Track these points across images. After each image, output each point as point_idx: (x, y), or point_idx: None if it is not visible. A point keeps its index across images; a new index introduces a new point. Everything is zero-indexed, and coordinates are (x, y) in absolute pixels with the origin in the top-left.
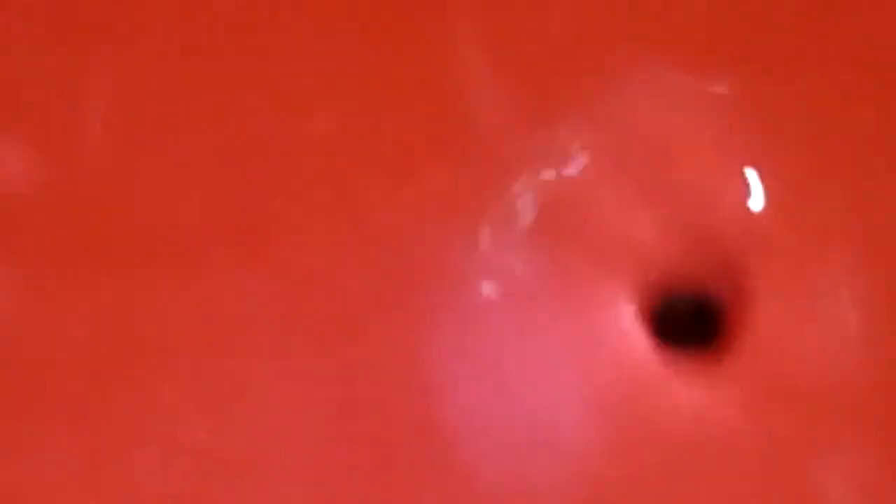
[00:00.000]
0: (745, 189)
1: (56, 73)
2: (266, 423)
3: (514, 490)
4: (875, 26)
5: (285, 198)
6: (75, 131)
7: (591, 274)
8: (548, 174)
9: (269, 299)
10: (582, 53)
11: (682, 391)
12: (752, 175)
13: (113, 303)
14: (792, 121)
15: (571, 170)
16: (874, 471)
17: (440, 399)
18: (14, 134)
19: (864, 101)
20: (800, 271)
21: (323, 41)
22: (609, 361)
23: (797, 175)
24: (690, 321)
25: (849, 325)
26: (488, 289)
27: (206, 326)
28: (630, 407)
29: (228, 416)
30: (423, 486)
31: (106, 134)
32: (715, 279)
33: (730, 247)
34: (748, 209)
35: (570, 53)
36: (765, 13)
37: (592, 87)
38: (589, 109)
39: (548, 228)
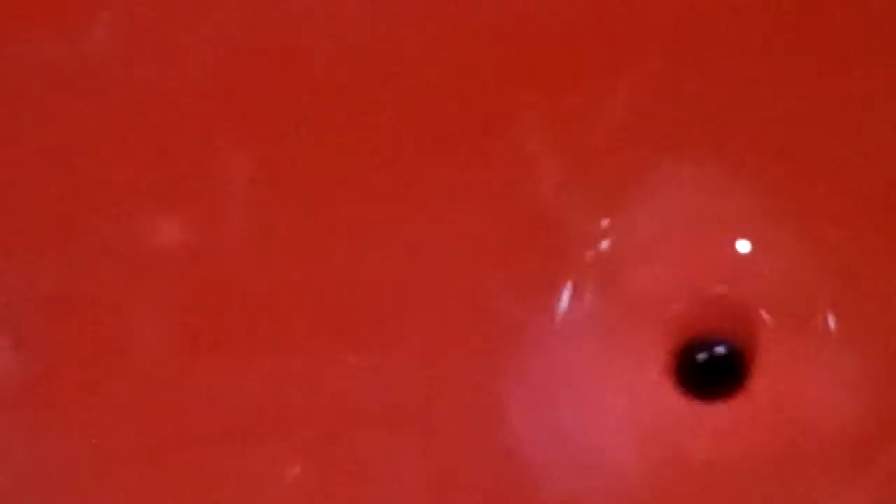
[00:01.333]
0: (751, 256)
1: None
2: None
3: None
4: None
5: (387, 278)
6: (219, 204)
7: (630, 330)
8: (602, 247)
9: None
10: (627, 145)
11: (705, 431)
12: (754, 242)
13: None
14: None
15: (620, 244)
16: None
17: (516, 427)
18: (166, 205)
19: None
20: (800, 322)
21: (410, 147)
22: (645, 404)
23: (789, 243)
24: (712, 372)
25: (847, 371)
26: (557, 342)
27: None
28: (662, 443)
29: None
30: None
31: (245, 206)
32: (730, 333)
33: (741, 302)
34: (755, 270)
35: (619, 145)
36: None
37: (635, 174)
38: (632, 193)
39: (601, 294)
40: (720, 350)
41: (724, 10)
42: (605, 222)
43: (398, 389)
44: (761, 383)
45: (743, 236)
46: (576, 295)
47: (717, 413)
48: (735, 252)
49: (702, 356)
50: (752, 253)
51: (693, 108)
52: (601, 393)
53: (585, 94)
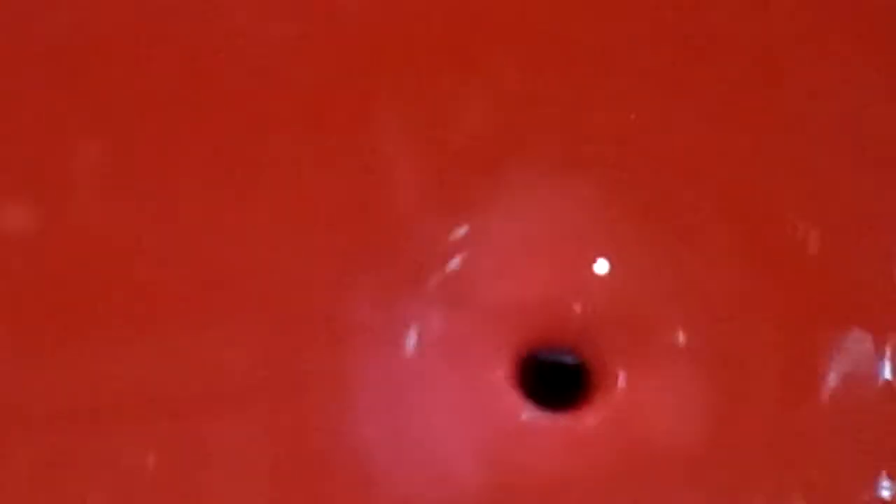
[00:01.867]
0: (607, 269)
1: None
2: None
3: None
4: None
5: (237, 270)
6: (67, 191)
7: (480, 339)
8: (455, 256)
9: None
10: (482, 153)
11: (546, 442)
12: (610, 258)
13: (92, 358)
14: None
15: (473, 253)
16: None
17: (360, 425)
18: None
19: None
20: (648, 340)
21: (265, 133)
22: (488, 415)
23: (644, 260)
24: (558, 384)
25: (692, 392)
26: (401, 349)
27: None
28: (503, 453)
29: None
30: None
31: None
32: (579, 346)
33: (591, 318)
34: (608, 287)
35: (477, 153)
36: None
37: (492, 181)
38: (489, 202)
39: (452, 302)
40: (567, 362)
41: (586, 16)
42: (460, 231)
43: (245, 378)
44: (605, 398)
45: (598, 250)
46: (427, 303)
47: (560, 425)
48: (589, 266)
49: (548, 368)
50: (606, 267)
51: (553, 118)
52: (446, 401)
53: (443, 99)
